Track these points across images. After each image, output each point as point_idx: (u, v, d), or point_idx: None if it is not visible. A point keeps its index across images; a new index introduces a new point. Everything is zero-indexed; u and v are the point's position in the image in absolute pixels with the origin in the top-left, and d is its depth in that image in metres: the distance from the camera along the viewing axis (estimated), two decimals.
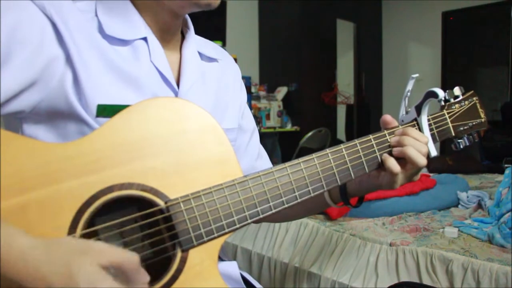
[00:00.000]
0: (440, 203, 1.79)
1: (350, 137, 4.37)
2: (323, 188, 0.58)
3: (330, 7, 4.15)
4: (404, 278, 1.29)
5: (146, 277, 0.43)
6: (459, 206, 1.82)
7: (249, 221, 0.53)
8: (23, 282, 0.37)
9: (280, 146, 3.90)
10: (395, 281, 1.28)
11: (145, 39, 0.61)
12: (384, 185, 0.65)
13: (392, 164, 0.62)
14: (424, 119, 0.67)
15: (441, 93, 0.66)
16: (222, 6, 3.69)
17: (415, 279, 1.27)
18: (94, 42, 0.56)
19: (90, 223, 0.46)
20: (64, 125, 0.55)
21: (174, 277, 0.49)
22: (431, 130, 0.68)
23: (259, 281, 1.25)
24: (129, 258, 0.41)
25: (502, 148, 3.27)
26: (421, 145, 0.62)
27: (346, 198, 0.71)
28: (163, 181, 0.50)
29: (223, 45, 3.38)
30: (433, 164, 2.61)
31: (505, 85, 4.15)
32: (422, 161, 0.62)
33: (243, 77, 0.80)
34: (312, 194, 0.58)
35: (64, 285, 0.37)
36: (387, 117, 0.67)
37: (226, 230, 0.52)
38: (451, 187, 1.91)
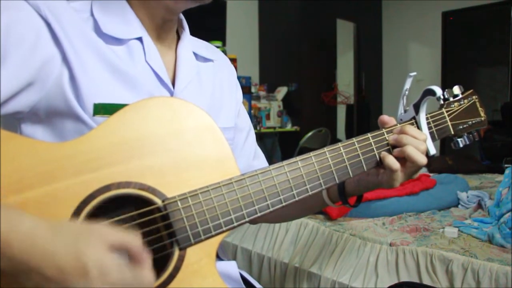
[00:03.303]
0: (440, 203, 1.78)
1: (350, 137, 4.29)
2: (321, 187, 0.58)
3: (330, 7, 4.15)
4: (404, 278, 1.29)
5: (149, 256, 0.44)
6: (459, 206, 1.81)
7: (247, 219, 0.53)
8: (31, 261, 0.37)
9: (280, 146, 3.90)
10: (395, 281, 1.28)
11: (140, 39, 0.61)
12: (384, 183, 0.65)
13: (392, 161, 0.62)
14: (422, 117, 0.67)
15: (438, 91, 0.66)
16: (222, 6, 3.69)
17: (415, 279, 1.27)
18: (90, 41, 0.56)
19: (88, 221, 0.46)
20: (62, 125, 0.55)
21: (172, 276, 0.49)
22: (429, 128, 0.68)
23: (259, 281, 1.24)
24: (133, 238, 0.42)
25: (502, 148, 3.26)
26: (419, 143, 0.62)
27: (344, 198, 0.70)
28: (160, 180, 0.50)
29: (223, 45, 3.37)
30: (433, 164, 2.60)
31: (505, 85, 4.15)
32: (422, 159, 0.62)
33: (243, 77, 0.80)
34: (310, 193, 0.57)
35: (73, 264, 0.38)
36: (384, 117, 0.67)
37: (224, 229, 0.52)
38: (451, 187, 1.91)
